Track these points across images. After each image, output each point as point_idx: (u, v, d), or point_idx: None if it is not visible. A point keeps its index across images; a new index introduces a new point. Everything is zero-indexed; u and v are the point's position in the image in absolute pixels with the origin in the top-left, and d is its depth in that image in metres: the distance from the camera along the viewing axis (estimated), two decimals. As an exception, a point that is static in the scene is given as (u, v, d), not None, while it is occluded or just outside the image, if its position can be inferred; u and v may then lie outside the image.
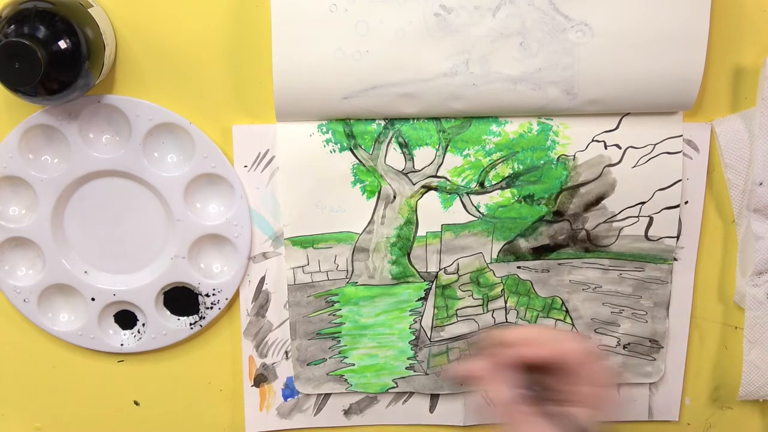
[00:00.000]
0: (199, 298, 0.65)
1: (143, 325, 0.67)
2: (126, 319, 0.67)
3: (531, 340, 0.51)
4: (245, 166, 0.63)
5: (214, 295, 0.65)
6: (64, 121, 0.60)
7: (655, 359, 0.68)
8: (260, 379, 0.68)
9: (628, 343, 0.68)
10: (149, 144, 0.62)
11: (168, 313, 0.66)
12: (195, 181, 0.63)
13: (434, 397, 0.69)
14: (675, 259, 0.66)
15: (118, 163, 0.62)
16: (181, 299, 0.66)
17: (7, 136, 0.61)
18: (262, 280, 0.66)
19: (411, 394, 0.69)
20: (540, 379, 0.51)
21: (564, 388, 0.50)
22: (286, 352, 0.67)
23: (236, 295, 0.66)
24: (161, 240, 0.65)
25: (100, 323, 0.66)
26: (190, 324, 0.66)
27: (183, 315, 0.66)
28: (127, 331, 0.67)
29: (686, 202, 0.65)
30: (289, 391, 0.69)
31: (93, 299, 0.65)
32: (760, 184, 0.63)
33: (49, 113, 0.60)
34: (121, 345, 0.67)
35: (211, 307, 0.65)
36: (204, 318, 0.66)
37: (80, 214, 0.64)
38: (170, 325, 0.66)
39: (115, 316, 0.67)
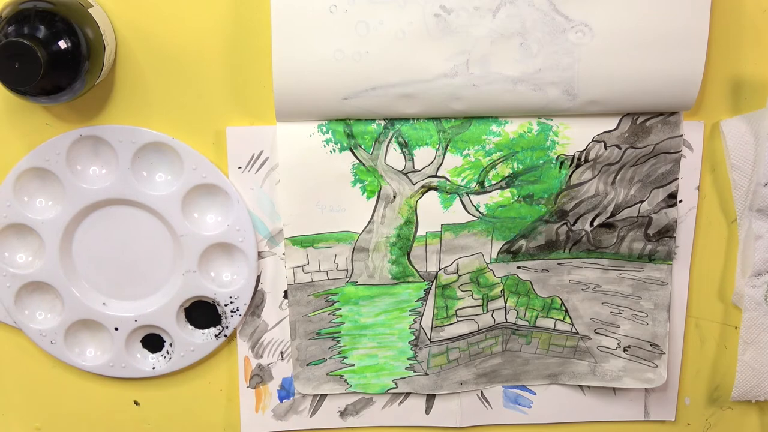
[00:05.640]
0: (218, 308, 0.65)
1: (170, 345, 0.67)
2: (153, 342, 0.67)
3: None
4: (239, 167, 0.63)
5: (232, 302, 0.65)
6: (52, 159, 0.61)
7: (656, 365, 0.68)
8: (256, 381, 0.68)
9: (629, 346, 0.68)
10: (138, 166, 0.62)
11: (191, 328, 0.66)
12: (190, 194, 0.63)
13: (430, 399, 0.69)
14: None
15: (111, 191, 0.62)
16: (201, 312, 0.66)
17: (0, 186, 0.61)
18: (258, 279, 0.66)
19: (407, 395, 0.69)
20: None
21: None
22: (282, 353, 0.67)
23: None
24: (170, 258, 0.65)
25: (128, 351, 0.66)
26: (215, 335, 0.66)
27: (207, 327, 0.66)
28: (157, 354, 0.67)
29: (680, 201, 0.65)
30: (284, 392, 0.69)
31: (116, 329, 0.65)
32: (766, 185, 0.63)
33: (36, 155, 0.61)
34: (153, 368, 0.67)
35: (232, 315, 0.65)
36: (228, 327, 0.66)
37: (87, 248, 0.64)
38: (196, 341, 0.66)
39: (142, 341, 0.67)
